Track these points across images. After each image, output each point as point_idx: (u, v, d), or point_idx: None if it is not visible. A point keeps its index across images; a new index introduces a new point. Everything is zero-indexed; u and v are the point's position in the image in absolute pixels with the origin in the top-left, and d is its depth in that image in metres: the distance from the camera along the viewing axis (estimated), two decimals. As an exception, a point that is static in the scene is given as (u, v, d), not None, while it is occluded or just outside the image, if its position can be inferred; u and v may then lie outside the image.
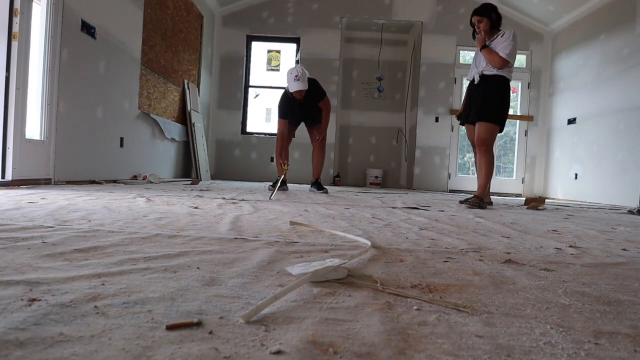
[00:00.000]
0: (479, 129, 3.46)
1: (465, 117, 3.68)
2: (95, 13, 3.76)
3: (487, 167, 3.46)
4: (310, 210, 2.29)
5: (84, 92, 3.68)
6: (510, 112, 8.09)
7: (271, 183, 4.50)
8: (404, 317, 0.64)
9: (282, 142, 4.35)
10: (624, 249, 1.44)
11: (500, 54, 3.35)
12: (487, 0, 3.92)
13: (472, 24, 3.58)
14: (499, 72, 3.42)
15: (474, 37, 3.63)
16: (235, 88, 7.18)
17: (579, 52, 6.11)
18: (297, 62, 7.19)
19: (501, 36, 3.42)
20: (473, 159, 3.79)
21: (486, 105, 3.43)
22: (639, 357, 0.53)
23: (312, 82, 4.28)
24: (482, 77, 3.50)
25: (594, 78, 5.69)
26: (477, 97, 3.51)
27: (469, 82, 3.68)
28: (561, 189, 6.38)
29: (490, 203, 3.64)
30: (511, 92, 3.59)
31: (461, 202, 3.42)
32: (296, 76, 4.08)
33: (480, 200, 3.27)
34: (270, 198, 3.03)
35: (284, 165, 4.17)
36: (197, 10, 6.25)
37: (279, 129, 4.38)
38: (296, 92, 4.13)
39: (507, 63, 3.37)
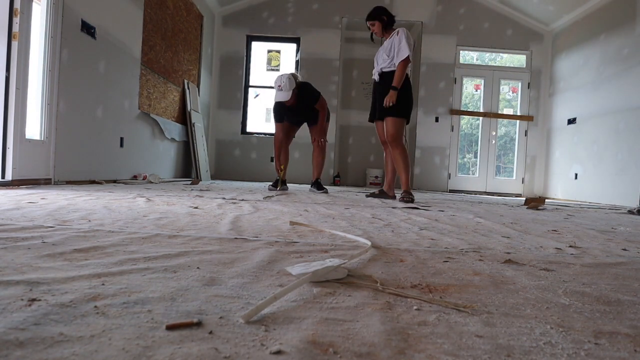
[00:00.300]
0: (387, 124, 3.65)
1: (372, 114, 3.85)
2: (95, 13, 3.76)
3: (402, 160, 3.65)
4: (310, 210, 2.29)
5: (84, 92, 3.68)
6: (510, 112, 8.12)
7: (271, 183, 4.51)
8: (404, 317, 0.64)
9: (279, 147, 4.42)
10: (624, 249, 1.44)
11: (399, 59, 3.55)
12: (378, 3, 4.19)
13: (368, 28, 3.80)
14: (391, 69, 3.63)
15: (372, 39, 3.85)
16: (235, 88, 7.18)
17: (579, 52, 6.11)
18: (297, 61, 7.19)
19: (397, 35, 3.63)
20: (385, 156, 3.98)
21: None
22: (639, 357, 0.53)
23: (302, 86, 4.22)
24: (382, 74, 3.68)
25: (594, 78, 5.69)
26: (381, 95, 3.68)
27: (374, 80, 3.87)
28: (561, 189, 6.38)
29: (394, 197, 3.78)
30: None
31: (368, 195, 3.67)
32: (279, 86, 4.08)
33: (409, 194, 3.55)
34: (263, 198, 3.03)
35: (281, 171, 4.24)
36: (197, 10, 6.25)
37: (275, 134, 4.46)
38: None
39: (408, 61, 3.54)
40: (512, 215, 2.70)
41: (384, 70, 3.66)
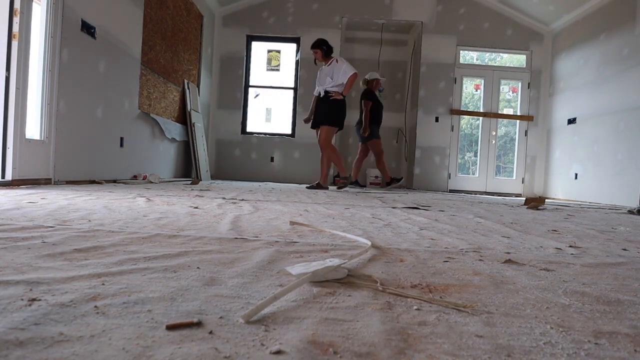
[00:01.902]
0: (320, 132, 5.00)
1: (314, 123, 5.10)
2: (95, 13, 3.76)
3: (327, 160, 5.09)
4: (310, 210, 2.29)
5: (84, 92, 3.68)
6: (510, 112, 8.10)
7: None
8: (404, 317, 0.64)
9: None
10: (624, 249, 1.44)
11: (347, 76, 4.87)
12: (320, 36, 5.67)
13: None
14: (334, 89, 4.91)
15: (315, 63, 5.24)
16: (235, 88, 7.18)
17: (579, 52, 6.11)
18: (297, 60, 7.19)
19: (336, 62, 4.94)
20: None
21: (327, 114, 4.96)
22: (639, 357, 0.53)
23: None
24: (325, 92, 4.95)
25: (594, 78, 5.69)
26: (321, 108, 4.98)
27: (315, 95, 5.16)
28: (561, 189, 6.38)
29: (327, 188, 5.02)
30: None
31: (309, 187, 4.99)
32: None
33: (318, 184, 4.98)
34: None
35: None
36: (197, 10, 6.25)
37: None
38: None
39: (355, 76, 4.88)
40: (512, 215, 2.70)
41: (326, 89, 4.92)
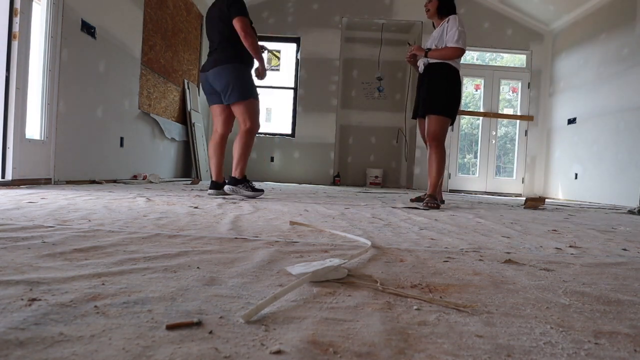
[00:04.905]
0: (428, 122, 3.17)
1: (415, 110, 3.41)
2: (95, 13, 3.76)
3: (437, 163, 3.15)
4: (310, 210, 2.29)
5: (84, 92, 3.67)
6: (510, 111, 8.11)
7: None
8: (404, 317, 0.64)
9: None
10: (624, 249, 1.44)
11: (450, 45, 3.07)
12: None
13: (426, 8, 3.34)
14: (445, 61, 3.14)
15: (434, 26, 3.38)
16: (235, 88, 7.17)
17: (579, 52, 6.10)
18: (297, 60, 7.18)
19: (447, 22, 3.15)
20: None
21: (432, 97, 3.16)
22: (639, 357, 0.53)
23: None
24: (429, 66, 3.20)
25: (594, 78, 5.69)
26: (423, 88, 3.24)
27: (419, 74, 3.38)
28: (561, 188, 6.38)
29: (442, 202, 3.38)
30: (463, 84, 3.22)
31: (412, 200, 3.35)
32: None
33: (434, 199, 3.02)
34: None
35: None
36: (197, 10, 6.25)
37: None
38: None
39: (460, 51, 3.08)
40: (512, 215, 2.70)
41: (430, 61, 3.18)
